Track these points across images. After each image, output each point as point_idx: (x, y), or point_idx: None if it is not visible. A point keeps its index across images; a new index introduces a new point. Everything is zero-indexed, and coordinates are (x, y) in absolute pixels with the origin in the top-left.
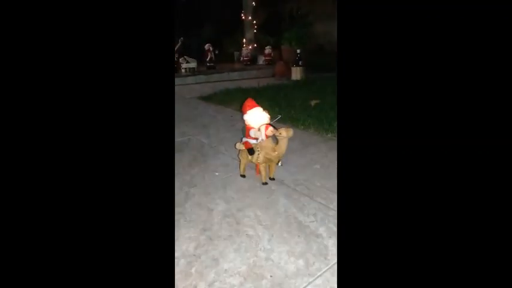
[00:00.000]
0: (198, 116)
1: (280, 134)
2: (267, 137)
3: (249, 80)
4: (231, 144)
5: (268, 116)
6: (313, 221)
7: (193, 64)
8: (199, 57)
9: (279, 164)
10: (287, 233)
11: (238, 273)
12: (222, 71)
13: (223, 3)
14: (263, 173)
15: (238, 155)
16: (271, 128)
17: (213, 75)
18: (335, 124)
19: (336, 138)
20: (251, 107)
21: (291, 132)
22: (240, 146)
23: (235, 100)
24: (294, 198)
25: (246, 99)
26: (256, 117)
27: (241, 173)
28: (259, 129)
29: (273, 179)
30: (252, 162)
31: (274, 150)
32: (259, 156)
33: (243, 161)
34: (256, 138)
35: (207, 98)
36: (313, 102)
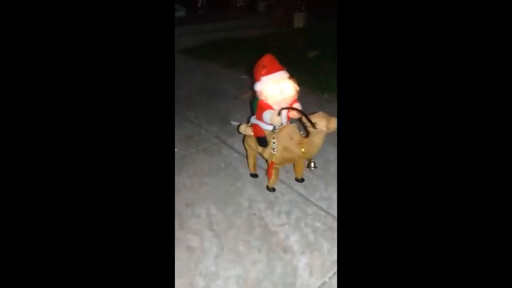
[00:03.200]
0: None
1: (314, 125)
2: (289, 119)
3: (247, 30)
4: (204, 110)
5: (297, 88)
6: (285, 224)
7: (181, 12)
8: (189, 3)
9: (311, 166)
10: (244, 245)
11: None
12: (215, 20)
13: None
14: (273, 177)
15: (243, 142)
16: (295, 114)
17: (204, 25)
18: (334, 81)
19: (334, 99)
20: (270, 71)
21: (333, 123)
22: (246, 130)
23: (221, 53)
24: (264, 187)
25: (234, 52)
26: (279, 90)
27: (251, 171)
28: (279, 114)
29: (302, 180)
30: (262, 156)
31: (301, 147)
32: (274, 152)
33: (251, 153)
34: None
35: (188, 52)
36: (311, 54)
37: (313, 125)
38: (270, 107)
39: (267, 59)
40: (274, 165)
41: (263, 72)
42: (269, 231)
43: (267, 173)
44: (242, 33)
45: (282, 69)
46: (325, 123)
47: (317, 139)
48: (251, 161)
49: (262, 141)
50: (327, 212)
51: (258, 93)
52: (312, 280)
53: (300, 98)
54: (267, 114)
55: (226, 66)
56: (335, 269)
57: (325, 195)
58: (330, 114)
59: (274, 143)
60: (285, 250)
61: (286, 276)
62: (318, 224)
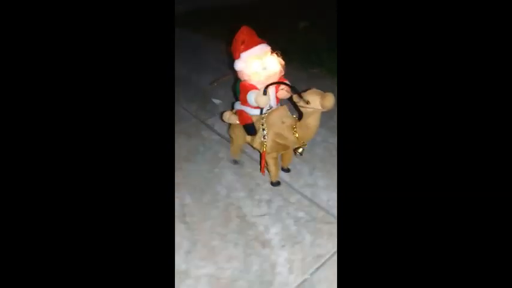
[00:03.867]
0: None
1: (307, 102)
2: (278, 101)
3: None
4: (183, 86)
5: (282, 63)
6: (264, 215)
7: None
8: None
9: (299, 152)
10: (219, 239)
11: None
12: None
13: None
14: (272, 168)
15: (228, 131)
16: (285, 89)
17: None
18: (324, 55)
19: (323, 75)
20: (249, 45)
21: (329, 100)
22: (231, 119)
23: (206, 23)
24: (246, 173)
25: (220, 21)
26: (261, 66)
27: (233, 156)
28: (265, 93)
29: (288, 170)
30: (252, 147)
31: (294, 131)
32: (265, 141)
33: (236, 142)
34: (261, 108)
35: None
36: (301, 25)
37: (305, 102)
38: (254, 87)
39: (244, 33)
40: (268, 155)
41: (241, 48)
42: (247, 222)
43: (261, 166)
44: (230, 1)
45: (262, 42)
46: (319, 101)
47: (312, 120)
48: (234, 148)
49: (250, 129)
50: (311, 200)
51: (239, 74)
52: (291, 278)
53: (286, 74)
54: (251, 95)
55: (211, 37)
56: (317, 264)
57: (310, 181)
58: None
59: (263, 129)
60: (264, 244)
61: (264, 273)
62: (300, 214)
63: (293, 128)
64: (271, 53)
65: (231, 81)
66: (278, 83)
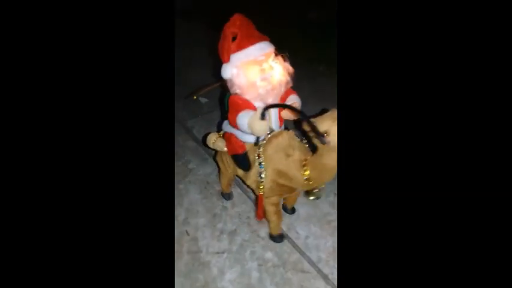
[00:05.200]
0: None
1: (324, 135)
2: (283, 122)
3: None
4: None
5: (290, 71)
6: (223, 252)
7: None
8: None
9: (314, 197)
10: None
11: None
12: None
13: None
14: (272, 217)
15: (215, 158)
16: (290, 113)
17: None
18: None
19: (330, 73)
20: (244, 43)
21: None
22: (217, 145)
23: (204, 11)
24: (215, 192)
25: (220, 9)
26: (260, 76)
27: (223, 190)
28: (263, 117)
29: (294, 210)
30: (245, 184)
31: (304, 169)
32: (262, 178)
33: (226, 172)
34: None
35: None
36: (311, 15)
37: (321, 136)
38: (248, 105)
39: (237, 24)
40: (266, 200)
41: (233, 46)
42: (199, 262)
43: (256, 213)
44: None
45: (263, 39)
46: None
47: (330, 159)
48: (224, 180)
49: (242, 161)
50: (287, 236)
51: (228, 84)
52: None
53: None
54: (243, 118)
55: (207, 27)
56: None
57: (289, 211)
58: (320, 90)
59: (261, 164)
60: (204, 265)
61: None
62: (268, 255)
63: (302, 165)
64: (276, 55)
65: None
66: (283, 106)
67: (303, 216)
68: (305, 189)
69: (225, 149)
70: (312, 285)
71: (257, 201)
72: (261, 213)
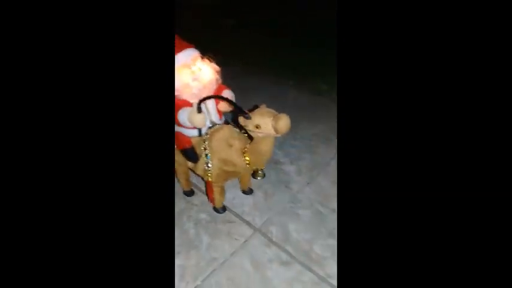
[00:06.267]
0: None
1: (257, 127)
2: (221, 115)
3: None
4: None
5: (217, 69)
6: None
7: None
8: None
9: (260, 175)
10: None
11: None
12: None
13: None
14: (217, 196)
15: None
16: (222, 105)
17: None
18: (257, 53)
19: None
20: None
21: (284, 123)
22: None
23: None
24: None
25: None
26: (191, 77)
27: (184, 188)
28: (199, 110)
29: (251, 190)
30: (195, 173)
31: (245, 156)
32: (209, 168)
33: (181, 170)
34: (198, 128)
35: None
36: (226, 23)
37: (254, 127)
38: (185, 103)
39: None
40: (214, 185)
41: None
42: None
43: (208, 196)
44: None
45: (189, 47)
46: (271, 124)
47: (265, 146)
48: (182, 178)
49: (190, 154)
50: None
51: None
52: (182, 285)
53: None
54: (182, 114)
55: None
56: (210, 269)
57: None
58: (246, 92)
59: (207, 155)
60: None
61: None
62: (202, 216)
63: (243, 152)
64: (202, 58)
65: None
66: (214, 97)
67: (228, 184)
68: (246, 172)
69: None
70: (237, 230)
71: (206, 187)
72: (212, 198)
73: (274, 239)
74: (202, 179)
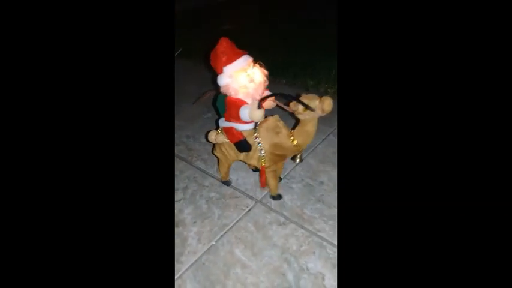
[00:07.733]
0: None
1: (303, 110)
2: (264, 108)
3: None
4: None
5: (265, 73)
6: (180, 200)
7: None
8: None
9: (298, 159)
10: None
11: None
12: None
13: None
14: (272, 181)
15: (213, 151)
16: (271, 99)
17: None
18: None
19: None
20: (232, 58)
21: (329, 104)
22: (219, 139)
23: None
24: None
25: None
26: (249, 79)
27: (224, 178)
28: (259, 106)
29: (280, 179)
30: (247, 164)
31: (292, 139)
32: (262, 154)
33: (226, 162)
34: (255, 122)
35: None
36: (227, 26)
37: (308, 108)
38: (243, 102)
39: (224, 45)
40: (268, 169)
41: (224, 60)
42: None
43: (261, 182)
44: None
45: (244, 53)
46: (318, 105)
47: (310, 127)
48: (224, 170)
49: (244, 145)
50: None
51: (223, 89)
52: (200, 246)
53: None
54: (244, 111)
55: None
56: (222, 232)
57: None
58: None
59: (259, 143)
60: (177, 224)
61: (176, 247)
62: (212, 194)
63: (290, 136)
64: (254, 63)
65: None
66: (275, 94)
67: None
68: (294, 153)
69: (226, 140)
70: (242, 202)
71: (261, 174)
72: (264, 181)
73: (272, 207)
74: (255, 169)
